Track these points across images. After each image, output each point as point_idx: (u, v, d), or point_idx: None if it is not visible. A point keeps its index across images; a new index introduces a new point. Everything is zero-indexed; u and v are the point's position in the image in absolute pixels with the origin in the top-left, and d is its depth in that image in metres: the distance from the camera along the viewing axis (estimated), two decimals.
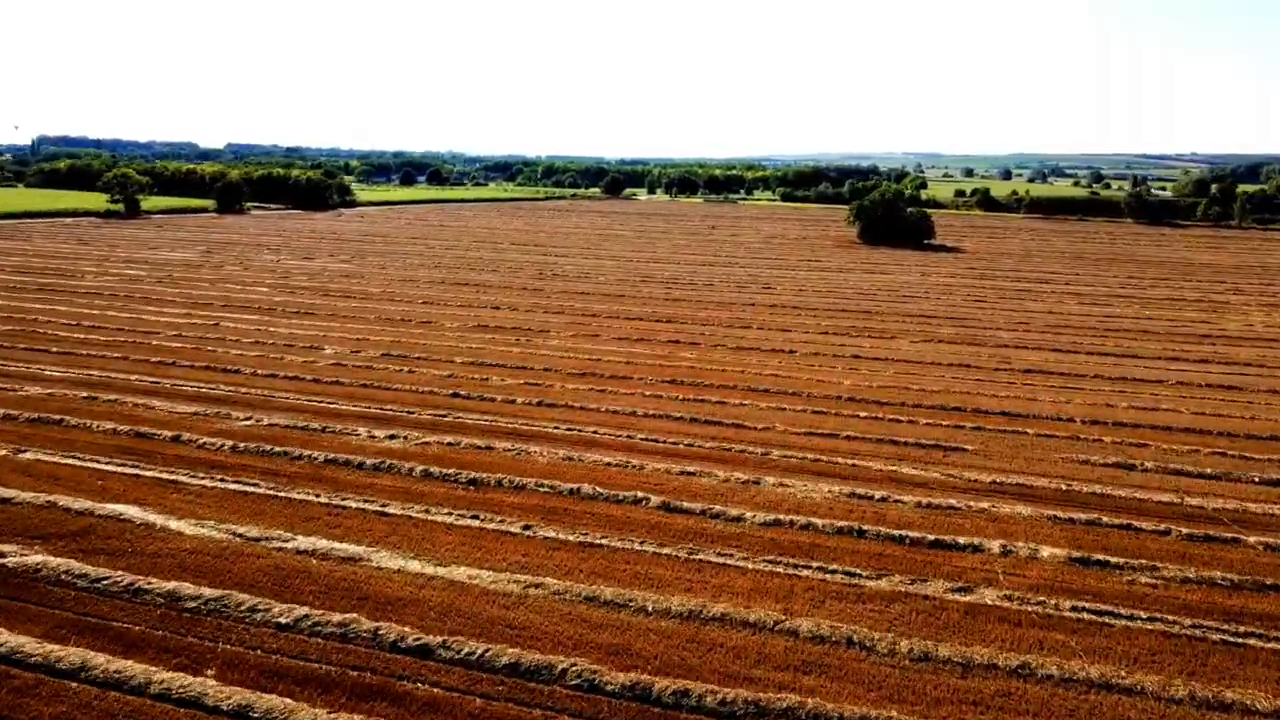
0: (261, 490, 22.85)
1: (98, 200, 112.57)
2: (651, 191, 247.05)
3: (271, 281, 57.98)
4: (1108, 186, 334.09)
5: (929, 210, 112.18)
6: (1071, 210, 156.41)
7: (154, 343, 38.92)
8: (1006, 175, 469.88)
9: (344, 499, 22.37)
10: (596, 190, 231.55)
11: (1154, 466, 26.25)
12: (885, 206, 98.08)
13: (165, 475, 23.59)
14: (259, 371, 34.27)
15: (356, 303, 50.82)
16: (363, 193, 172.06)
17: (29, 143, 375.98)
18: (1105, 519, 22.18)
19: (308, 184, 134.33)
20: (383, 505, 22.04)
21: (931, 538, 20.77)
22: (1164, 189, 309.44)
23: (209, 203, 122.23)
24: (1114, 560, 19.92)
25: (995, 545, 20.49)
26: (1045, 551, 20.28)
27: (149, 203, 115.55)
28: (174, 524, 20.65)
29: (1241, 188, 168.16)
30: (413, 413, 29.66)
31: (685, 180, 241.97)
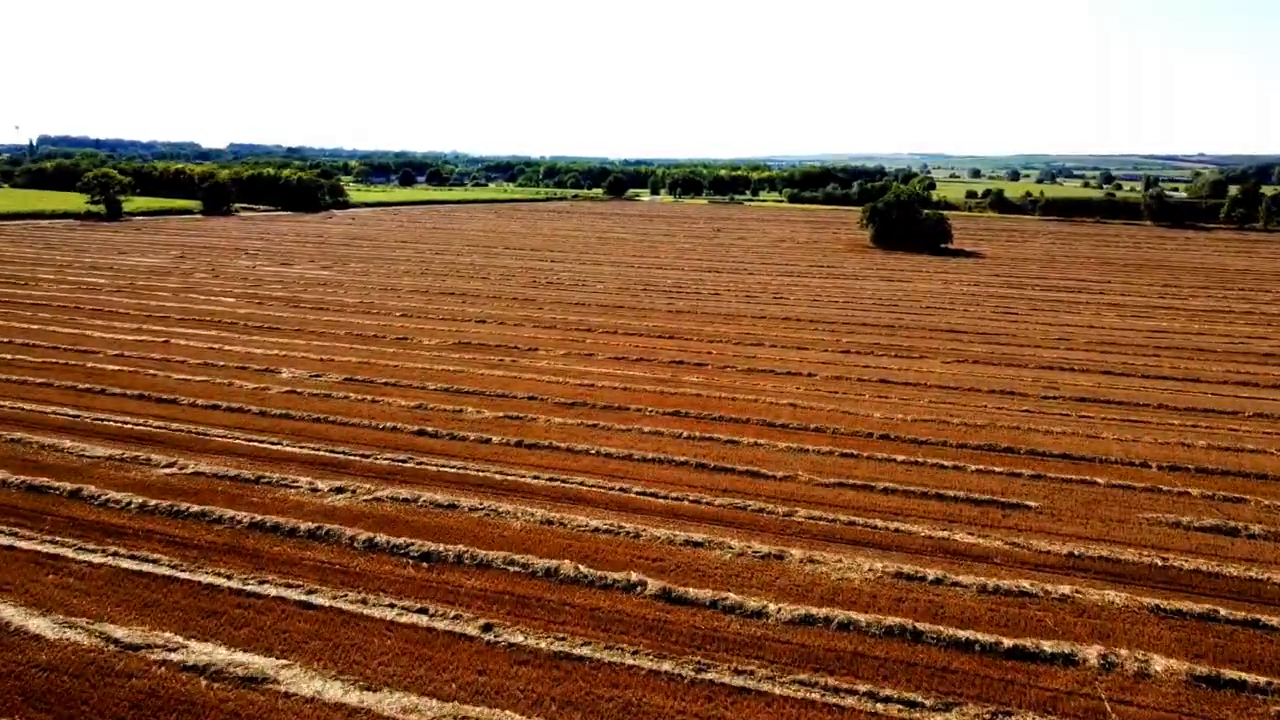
0: (162, 569, 18.29)
1: (80, 201, 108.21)
2: (655, 192, 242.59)
3: (240, 291, 53.44)
4: (1119, 188, 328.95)
5: (942, 212, 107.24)
6: (1088, 212, 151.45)
7: (89, 365, 34.36)
8: (1014, 176, 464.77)
9: (263, 581, 17.80)
10: (599, 191, 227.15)
11: (1262, 531, 21.57)
12: (901, 209, 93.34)
13: (48, 547, 19.04)
14: (198, 401, 29.69)
15: (329, 316, 46.26)
16: (358, 193, 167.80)
17: (27, 143, 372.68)
18: (1223, 611, 17.52)
19: (299, 185, 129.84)
20: (309, 592, 17.47)
21: (1008, 642, 16.13)
22: (1176, 190, 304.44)
23: (195, 204, 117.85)
24: (1250, 679, 15.29)
25: (1091, 654, 15.85)
26: (1158, 664, 15.64)
27: (132, 204, 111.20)
28: (35, 622, 16.11)
29: (1262, 189, 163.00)
30: (368, 456, 25.08)
31: (690, 181, 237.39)
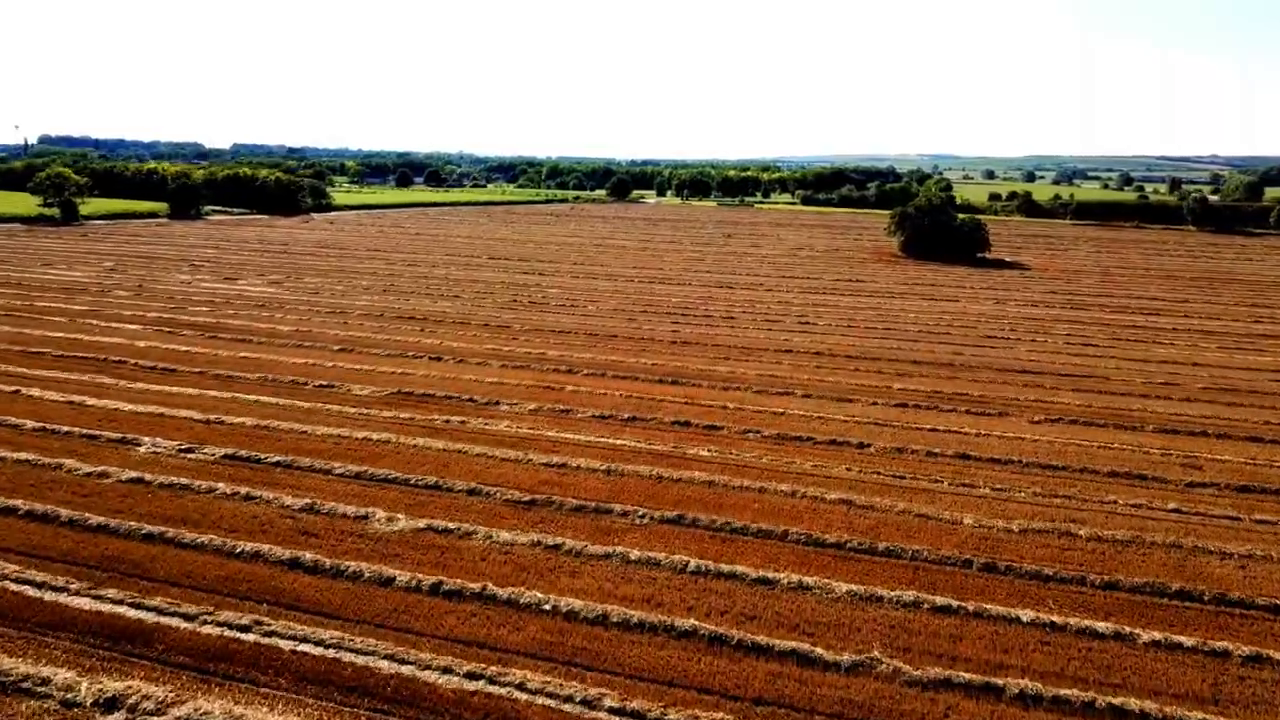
0: None
1: (35, 204, 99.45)
2: (661, 194, 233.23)
3: (155, 315, 44.32)
4: (1142, 190, 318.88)
5: (977, 217, 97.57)
6: (1124, 216, 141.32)
7: None
8: (1030, 178, 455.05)
9: None
10: (602, 193, 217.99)
11: None
12: (932, 214, 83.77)
13: None
14: None
15: (247, 351, 37.07)
16: (344, 196, 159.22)
17: (22, 142, 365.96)
18: None
19: (277, 186, 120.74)
20: None
21: None
22: (1202, 192, 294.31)
23: (163, 207, 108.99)
24: None
25: None
26: None
27: (91, 206, 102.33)
28: None
29: None
30: (193, 618, 15.93)
31: (697, 182, 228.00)
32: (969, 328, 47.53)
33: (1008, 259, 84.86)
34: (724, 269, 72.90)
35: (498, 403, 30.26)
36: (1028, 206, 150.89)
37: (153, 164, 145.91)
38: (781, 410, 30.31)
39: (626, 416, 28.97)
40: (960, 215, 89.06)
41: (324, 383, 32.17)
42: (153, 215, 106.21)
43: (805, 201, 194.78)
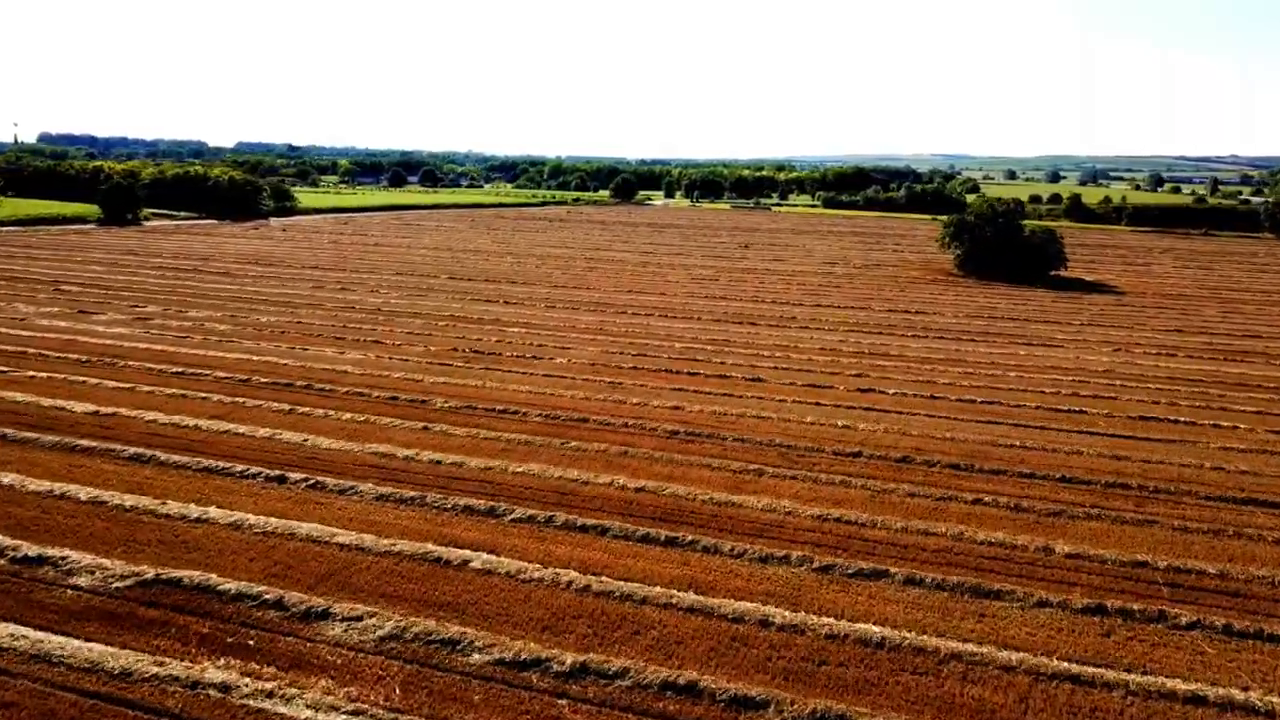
0: None
1: None
2: (670, 195, 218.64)
3: None
4: (1178, 189, 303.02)
5: (1048, 225, 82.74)
6: (1189, 221, 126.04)
7: None
8: (1054, 178, 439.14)
9: None
10: (605, 194, 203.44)
11: None
12: (997, 223, 68.90)
13: None
14: None
15: None
16: (319, 197, 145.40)
17: (12, 140, 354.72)
18: None
19: (230, 187, 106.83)
20: None
21: None
22: (1240, 193, 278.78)
23: (95, 210, 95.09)
24: None
25: None
26: None
27: (9, 208, 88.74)
28: None
29: None
30: None
31: (709, 182, 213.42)
32: (1106, 400, 32.73)
33: (1085, 277, 70.05)
34: (743, 294, 58.36)
35: (327, 612, 15.79)
36: (1076, 210, 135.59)
37: (100, 163, 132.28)
38: (876, 636, 15.64)
39: (568, 664, 14.42)
40: (1029, 225, 74.14)
41: (34, 553, 17.74)
42: (81, 220, 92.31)
43: (827, 204, 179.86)
